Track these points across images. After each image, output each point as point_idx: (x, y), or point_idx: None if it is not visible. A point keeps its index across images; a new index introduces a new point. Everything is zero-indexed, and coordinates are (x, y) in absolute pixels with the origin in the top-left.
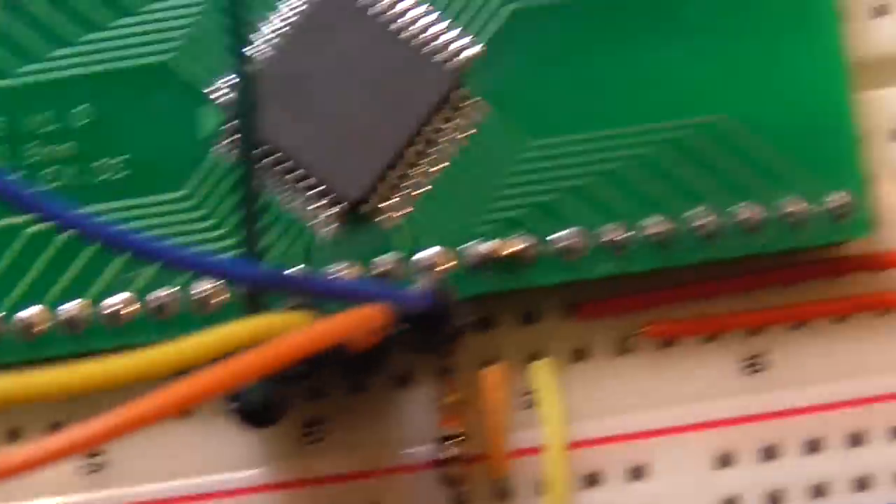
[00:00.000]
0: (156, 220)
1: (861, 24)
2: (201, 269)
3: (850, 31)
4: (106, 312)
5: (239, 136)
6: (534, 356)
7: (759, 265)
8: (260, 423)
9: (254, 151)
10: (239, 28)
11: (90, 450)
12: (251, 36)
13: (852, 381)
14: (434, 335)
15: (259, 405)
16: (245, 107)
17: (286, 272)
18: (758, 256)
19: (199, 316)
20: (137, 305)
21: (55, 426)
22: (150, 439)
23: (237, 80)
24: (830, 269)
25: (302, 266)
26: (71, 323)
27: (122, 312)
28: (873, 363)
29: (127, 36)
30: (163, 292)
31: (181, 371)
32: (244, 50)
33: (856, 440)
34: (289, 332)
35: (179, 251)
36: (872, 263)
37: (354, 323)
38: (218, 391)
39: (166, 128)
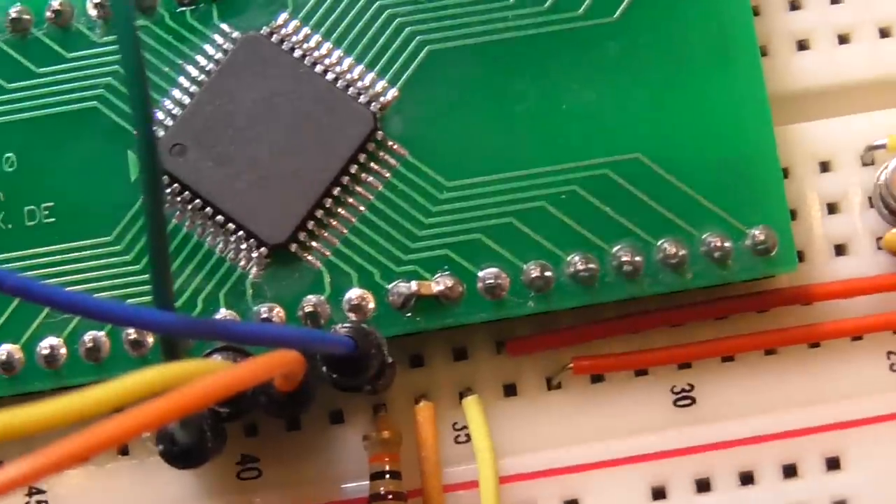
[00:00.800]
0: (84, 265)
1: (782, 59)
2: (116, 318)
3: (770, 65)
4: (43, 353)
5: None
6: (465, 392)
7: (688, 299)
8: (186, 463)
9: (163, 202)
10: (141, 91)
11: (30, 485)
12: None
13: (784, 413)
14: (358, 375)
15: (184, 447)
16: (150, 168)
17: (205, 319)
18: (685, 291)
19: (133, 357)
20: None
21: None
22: (90, 478)
23: (140, 142)
24: (758, 302)
25: (226, 309)
26: (6, 366)
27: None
28: (804, 395)
29: (54, 83)
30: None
31: (103, 414)
32: (148, 112)
33: (789, 471)
34: (205, 376)
35: (93, 301)
36: (799, 297)
37: (270, 367)
38: (142, 429)
39: (97, 172)
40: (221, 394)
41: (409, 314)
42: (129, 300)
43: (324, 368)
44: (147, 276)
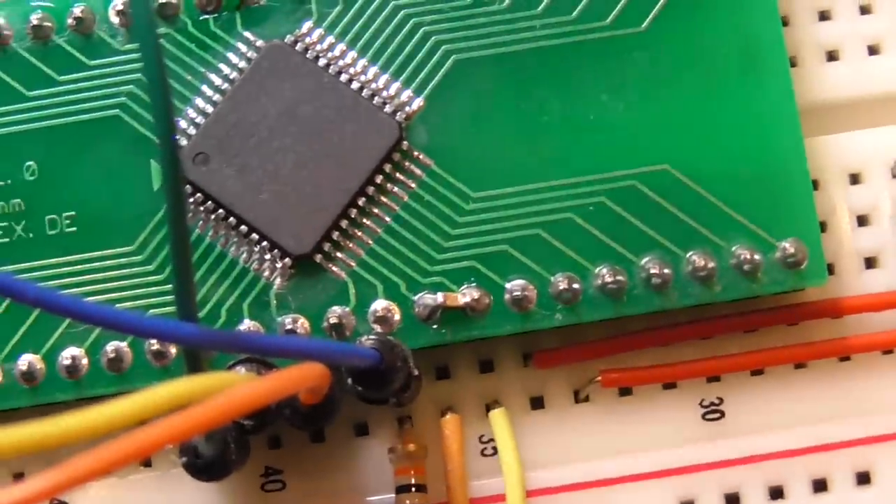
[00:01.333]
0: (106, 275)
1: (811, 70)
2: (138, 330)
3: (800, 76)
4: (64, 364)
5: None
6: (492, 405)
7: (717, 312)
8: (210, 476)
9: (187, 212)
10: (164, 100)
11: (52, 498)
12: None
13: (813, 427)
14: (384, 388)
15: (207, 459)
16: (172, 176)
17: (229, 331)
18: (714, 304)
19: (156, 368)
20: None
21: (18, 476)
22: (112, 489)
23: (162, 152)
24: (788, 315)
25: (250, 320)
26: (28, 376)
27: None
28: (833, 409)
29: (76, 91)
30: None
31: (127, 427)
32: (171, 121)
33: (819, 486)
34: (229, 390)
35: (114, 313)
36: (829, 310)
37: (296, 381)
38: (165, 443)
39: (119, 181)
40: (246, 408)
41: (435, 326)
42: (152, 311)
43: (349, 381)
44: (170, 286)
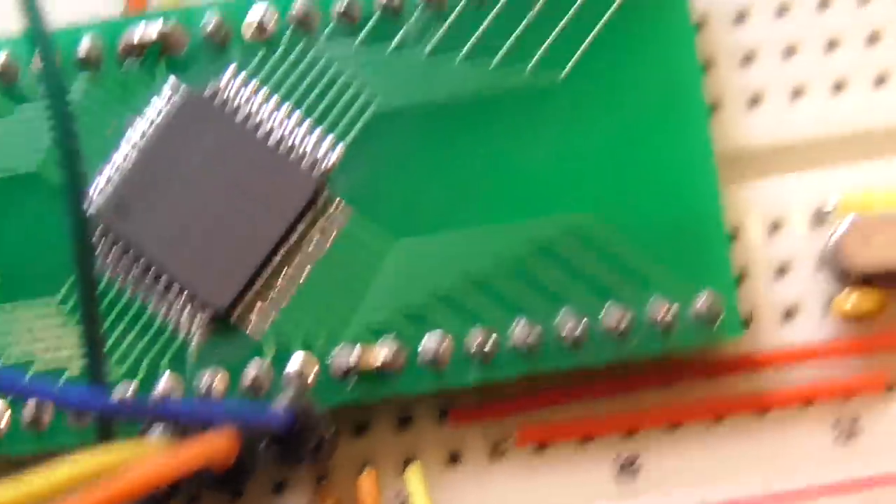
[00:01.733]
0: (28, 327)
1: (734, 115)
2: (43, 397)
3: (722, 122)
4: None
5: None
6: (409, 461)
7: (634, 366)
8: None
9: (95, 280)
10: (74, 166)
11: None
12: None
13: (729, 484)
14: (298, 449)
15: None
16: (82, 245)
17: (136, 400)
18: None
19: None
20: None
21: None
22: None
23: (72, 220)
24: (705, 370)
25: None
26: None
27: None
28: (751, 464)
29: None
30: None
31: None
32: (80, 190)
33: None
34: (140, 462)
35: (20, 381)
36: (747, 364)
37: (201, 455)
38: None
39: (39, 236)
40: (151, 486)
41: (351, 384)
42: (76, 363)
43: (262, 444)
44: None
